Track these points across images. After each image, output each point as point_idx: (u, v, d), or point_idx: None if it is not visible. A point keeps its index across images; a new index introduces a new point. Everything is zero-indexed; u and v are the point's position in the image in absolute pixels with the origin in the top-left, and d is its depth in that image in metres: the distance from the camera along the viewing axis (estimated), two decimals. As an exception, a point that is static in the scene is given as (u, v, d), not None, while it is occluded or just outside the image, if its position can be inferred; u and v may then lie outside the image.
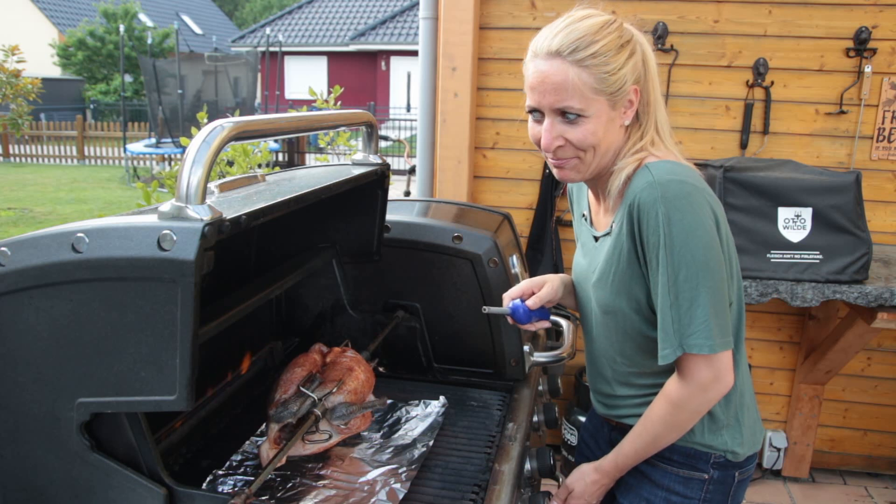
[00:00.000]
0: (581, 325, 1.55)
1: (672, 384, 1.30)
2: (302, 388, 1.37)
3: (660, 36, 2.91)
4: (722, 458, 1.38)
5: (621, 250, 1.29)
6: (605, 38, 1.24)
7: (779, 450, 3.20)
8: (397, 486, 1.26)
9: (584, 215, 1.50)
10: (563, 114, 1.27)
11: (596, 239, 1.43)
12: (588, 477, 1.44)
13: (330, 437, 1.40)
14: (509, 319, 1.49)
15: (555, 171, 1.35)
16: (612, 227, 1.33)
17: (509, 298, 1.49)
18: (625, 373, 1.40)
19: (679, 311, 1.23)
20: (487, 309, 1.51)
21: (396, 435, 1.48)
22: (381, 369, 1.68)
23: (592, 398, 1.57)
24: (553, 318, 1.96)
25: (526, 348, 1.71)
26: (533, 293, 1.49)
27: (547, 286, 1.50)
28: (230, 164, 3.54)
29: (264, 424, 1.44)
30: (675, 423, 1.31)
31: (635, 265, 1.28)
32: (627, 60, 1.26)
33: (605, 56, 1.23)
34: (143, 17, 25.91)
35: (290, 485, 1.29)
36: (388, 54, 23.82)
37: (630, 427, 1.44)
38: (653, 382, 1.38)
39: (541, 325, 1.52)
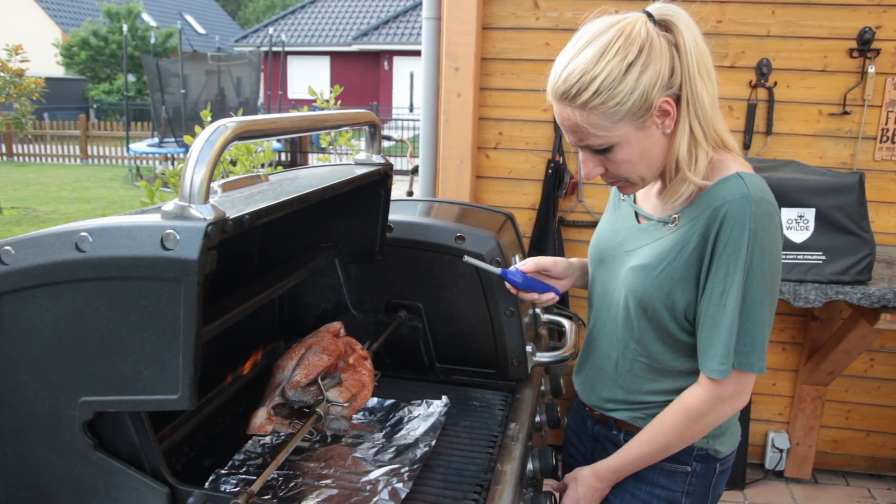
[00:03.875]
0: (590, 301, 1.53)
1: (693, 395, 1.31)
2: (321, 383, 1.37)
3: (663, 36, 2.91)
4: (703, 451, 1.40)
5: (684, 247, 1.26)
6: (606, 67, 1.16)
7: (781, 451, 3.20)
8: (399, 485, 1.26)
9: None
10: (590, 148, 1.26)
11: (638, 218, 1.41)
12: (585, 480, 1.44)
13: (313, 434, 1.41)
14: (508, 286, 1.52)
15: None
16: (673, 217, 1.30)
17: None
18: (632, 360, 1.39)
19: (742, 329, 1.23)
20: (468, 258, 1.54)
21: (399, 435, 1.48)
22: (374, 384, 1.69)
23: (577, 382, 1.57)
24: (555, 317, 1.97)
25: (528, 348, 1.71)
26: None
27: (547, 257, 1.54)
28: (233, 163, 3.54)
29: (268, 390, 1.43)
30: (688, 434, 1.33)
31: (692, 268, 1.26)
32: (641, 76, 1.16)
33: (609, 90, 1.16)
34: (146, 16, 25.95)
35: (293, 484, 1.29)
36: (391, 54, 23.84)
37: (613, 420, 1.46)
38: (655, 383, 1.38)
39: (546, 298, 1.51)
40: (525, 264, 1.52)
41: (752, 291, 1.21)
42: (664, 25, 1.22)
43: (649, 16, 1.21)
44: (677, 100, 1.21)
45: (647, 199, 1.41)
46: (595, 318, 1.50)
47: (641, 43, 1.17)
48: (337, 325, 1.56)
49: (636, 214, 1.42)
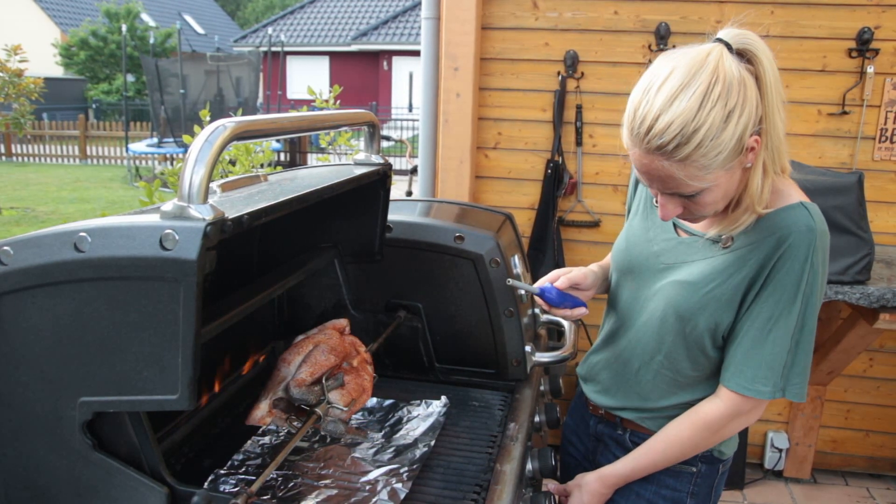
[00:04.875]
0: (612, 306, 1.51)
1: (713, 408, 1.32)
2: (324, 383, 1.37)
3: (662, 36, 2.91)
4: (709, 453, 1.41)
5: (738, 270, 1.24)
6: (708, 118, 1.07)
7: (780, 450, 3.20)
8: (399, 485, 1.26)
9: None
10: (678, 194, 1.19)
11: (677, 230, 1.38)
12: (590, 487, 1.44)
13: (313, 434, 1.42)
14: (540, 301, 1.50)
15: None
16: (724, 237, 1.26)
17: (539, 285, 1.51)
18: (655, 372, 1.39)
19: (796, 359, 1.25)
20: (511, 281, 1.52)
21: (398, 435, 1.48)
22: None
23: (586, 383, 1.56)
24: (554, 318, 1.97)
25: (528, 348, 1.71)
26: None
27: (577, 270, 1.50)
28: (232, 163, 3.54)
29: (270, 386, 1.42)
30: (703, 445, 1.35)
31: (741, 290, 1.25)
32: (739, 121, 1.10)
33: (712, 141, 1.08)
34: (145, 16, 25.95)
35: (292, 484, 1.29)
36: (391, 54, 23.84)
37: (619, 419, 1.47)
38: (675, 397, 1.39)
39: (578, 313, 1.47)
40: (558, 280, 1.48)
41: (809, 323, 1.23)
42: (745, 56, 1.16)
43: (727, 46, 1.14)
44: (758, 132, 1.16)
45: None
46: (617, 325, 1.48)
47: (738, 85, 1.10)
48: (343, 323, 1.56)
49: (674, 226, 1.39)
